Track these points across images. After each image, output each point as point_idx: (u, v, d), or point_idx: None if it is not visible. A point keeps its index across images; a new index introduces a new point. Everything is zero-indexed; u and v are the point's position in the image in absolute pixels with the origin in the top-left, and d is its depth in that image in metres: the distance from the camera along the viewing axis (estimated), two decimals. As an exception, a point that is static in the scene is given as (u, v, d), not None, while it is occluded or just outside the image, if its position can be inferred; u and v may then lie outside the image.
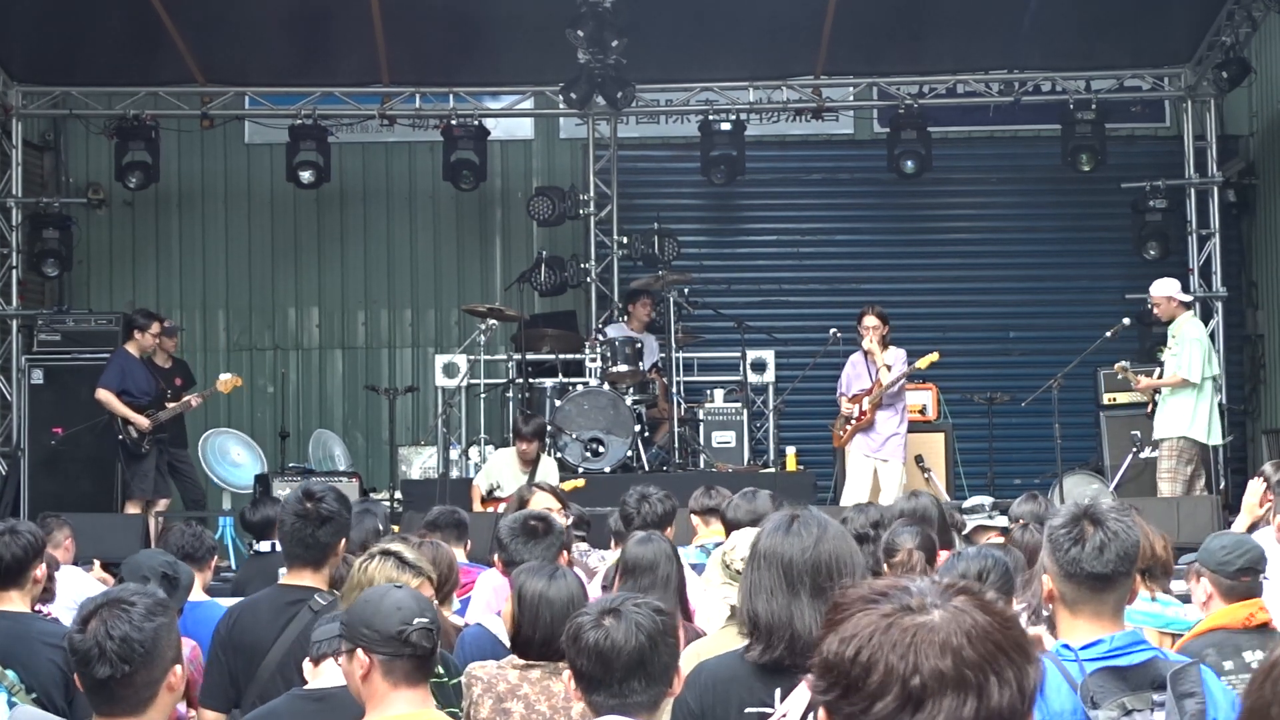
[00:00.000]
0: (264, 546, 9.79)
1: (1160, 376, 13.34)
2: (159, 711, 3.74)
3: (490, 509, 12.76)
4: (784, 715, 3.80)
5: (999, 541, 7.63)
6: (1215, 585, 5.46)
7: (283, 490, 14.43)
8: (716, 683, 4.05)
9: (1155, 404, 13.45)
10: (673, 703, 3.95)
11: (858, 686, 1.93)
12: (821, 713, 2.00)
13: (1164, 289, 13.39)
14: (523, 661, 4.81)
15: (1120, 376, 13.68)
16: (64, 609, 6.99)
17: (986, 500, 8.52)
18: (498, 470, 13.33)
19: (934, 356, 13.41)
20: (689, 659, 4.30)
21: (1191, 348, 13.10)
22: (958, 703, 1.90)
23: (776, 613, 3.94)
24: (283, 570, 8.52)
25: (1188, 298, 13.54)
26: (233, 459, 14.70)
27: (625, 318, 15.80)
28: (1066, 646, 3.87)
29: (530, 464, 13.21)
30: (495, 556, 6.28)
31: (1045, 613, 5.21)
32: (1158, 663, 3.86)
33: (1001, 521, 7.99)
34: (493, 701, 4.77)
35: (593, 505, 10.48)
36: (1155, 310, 13.45)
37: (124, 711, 3.70)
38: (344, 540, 5.50)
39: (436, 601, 5.09)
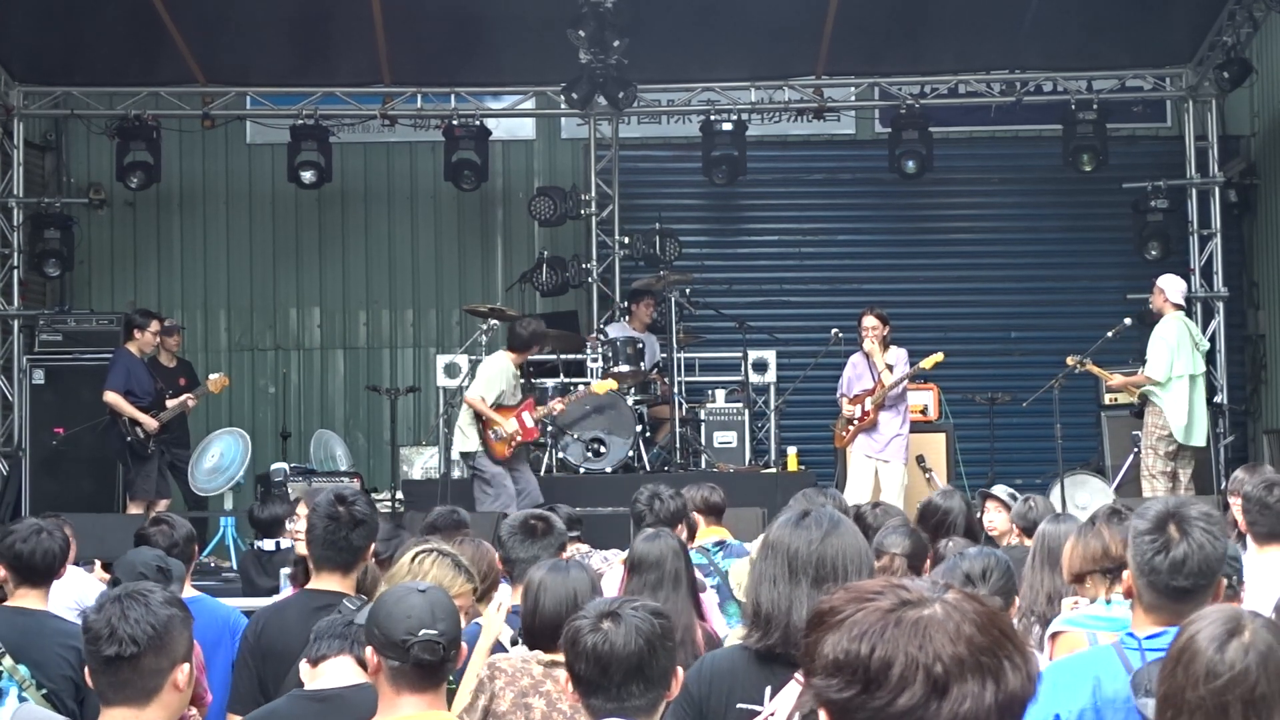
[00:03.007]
0: (268, 545, 9.78)
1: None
2: (164, 708, 3.75)
3: (507, 420, 13.01)
4: (772, 714, 3.82)
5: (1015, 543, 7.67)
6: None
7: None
8: (715, 674, 4.10)
9: (1143, 402, 13.65)
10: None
11: (879, 681, 1.96)
12: (824, 715, 2.00)
13: (1162, 282, 13.62)
14: (547, 658, 4.83)
15: (1078, 370, 13.71)
16: (65, 609, 7.00)
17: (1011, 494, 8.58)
18: (502, 378, 13.27)
19: (939, 357, 13.43)
20: None
21: (1157, 347, 13.29)
22: (979, 686, 1.95)
23: (777, 601, 3.97)
24: (284, 570, 8.54)
25: (1179, 300, 13.61)
26: (208, 466, 14.65)
27: (627, 317, 15.82)
28: (1131, 635, 3.85)
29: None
30: (495, 555, 6.29)
31: (1041, 612, 5.21)
32: None
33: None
34: (514, 695, 4.78)
35: (593, 505, 10.50)
36: (1151, 297, 13.68)
37: (128, 699, 3.73)
38: (373, 544, 5.53)
39: (472, 600, 5.14)
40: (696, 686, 4.06)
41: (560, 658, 4.70)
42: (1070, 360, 13.65)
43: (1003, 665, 1.96)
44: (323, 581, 5.46)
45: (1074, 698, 3.74)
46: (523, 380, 14.82)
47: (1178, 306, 13.55)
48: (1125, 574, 3.96)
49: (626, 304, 16.05)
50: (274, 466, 14.89)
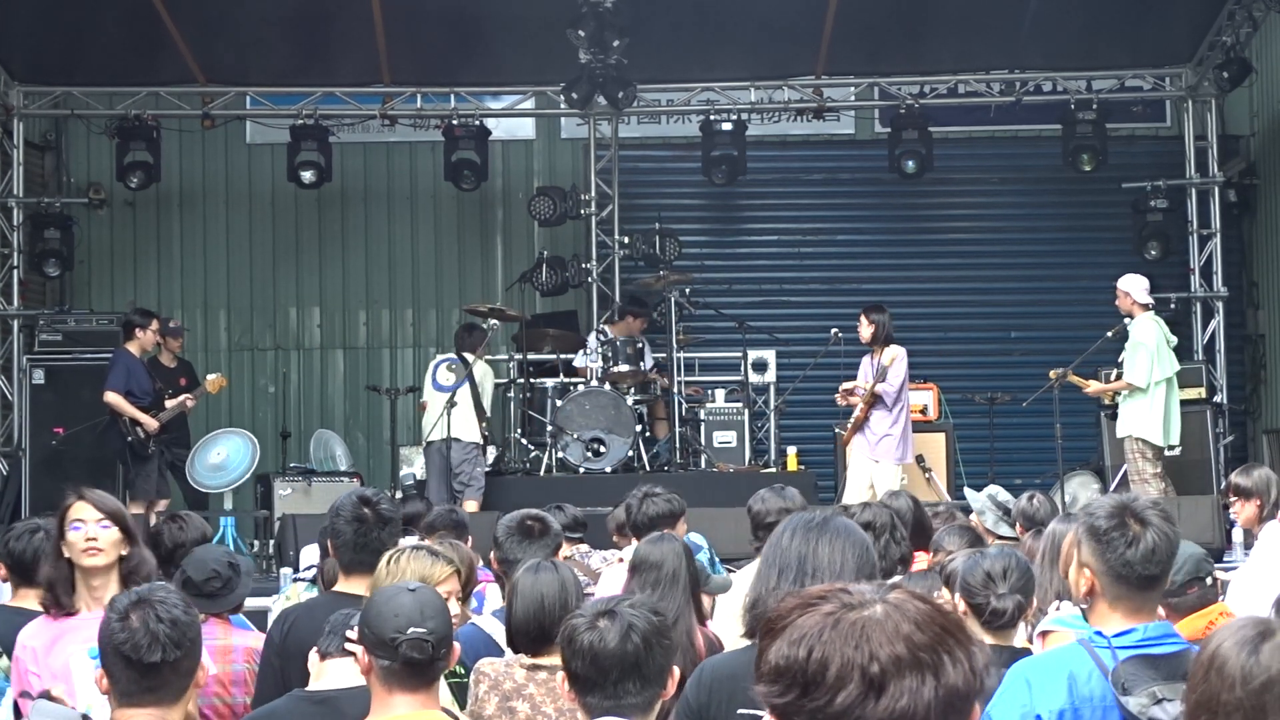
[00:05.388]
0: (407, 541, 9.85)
1: (1118, 379, 13.48)
2: (184, 706, 3.82)
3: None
4: None
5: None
6: (1164, 606, 5.38)
7: (284, 490, 14.49)
8: (715, 681, 4.08)
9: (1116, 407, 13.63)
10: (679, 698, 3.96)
11: (817, 682, 1.98)
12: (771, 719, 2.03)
13: (1126, 284, 13.48)
14: (530, 661, 4.82)
15: (1059, 383, 13.65)
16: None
17: (992, 496, 8.49)
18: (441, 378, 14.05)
19: (898, 351, 13.23)
20: None
21: (1138, 352, 13.22)
22: (917, 682, 1.98)
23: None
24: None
25: (1147, 299, 13.52)
26: (212, 462, 14.65)
27: (614, 319, 15.64)
28: (1099, 634, 3.87)
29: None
30: (491, 555, 6.29)
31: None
32: (1190, 654, 3.87)
33: (1005, 530, 7.97)
34: (498, 699, 4.77)
35: (593, 505, 10.48)
36: (1116, 301, 13.56)
37: (159, 701, 3.76)
38: (399, 541, 5.56)
39: (459, 585, 5.16)
40: (695, 694, 4.04)
41: (541, 660, 4.72)
42: (1053, 374, 13.61)
43: (943, 660, 1.99)
44: (352, 585, 5.43)
45: (1053, 698, 3.77)
46: (520, 379, 14.89)
47: (1146, 306, 13.50)
48: (1086, 574, 3.94)
49: (618, 313, 15.88)
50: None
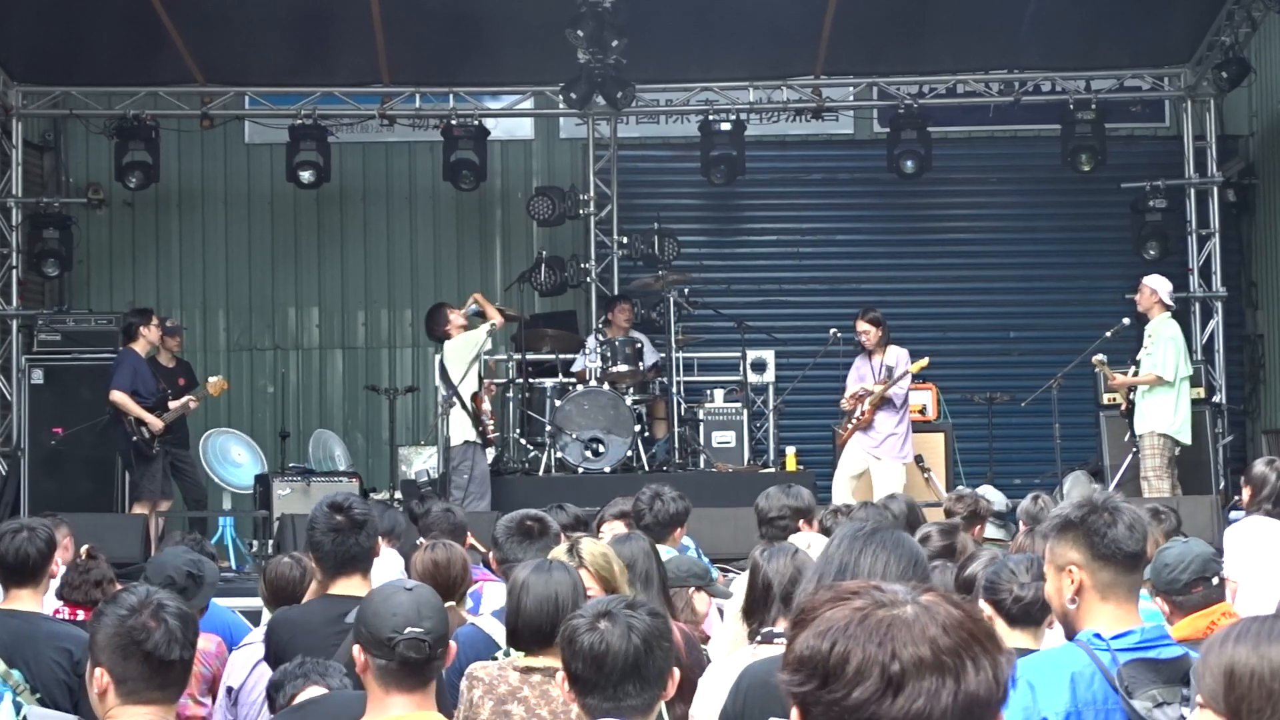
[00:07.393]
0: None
1: (1136, 375, 13.49)
2: (176, 705, 3.83)
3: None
4: None
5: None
6: (1169, 604, 5.41)
7: (283, 490, 14.50)
8: (751, 688, 4.10)
9: (1129, 404, 13.59)
10: (720, 707, 3.94)
11: (836, 674, 1.99)
12: (795, 712, 2.04)
13: (1155, 283, 13.57)
14: (523, 664, 4.81)
15: (1097, 370, 13.75)
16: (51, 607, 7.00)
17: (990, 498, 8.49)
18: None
19: (924, 362, 13.44)
20: (710, 679, 4.35)
21: (1166, 346, 13.28)
22: (937, 684, 1.98)
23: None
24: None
25: (1170, 302, 13.60)
26: (233, 459, 14.74)
27: (608, 328, 15.54)
28: (1098, 635, 3.88)
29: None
30: (491, 555, 6.28)
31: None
32: (1189, 658, 3.89)
33: (992, 531, 7.97)
34: (493, 704, 4.76)
35: (592, 505, 10.49)
36: (1136, 297, 13.57)
37: (165, 699, 3.76)
38: (379, 538, 5.57)
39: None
40: (733, 702, 4.03)
41: (538, 661, 4.72)
42: (1095, 360, 13.69)
43: (965, 666, 1.99)
44: (341, 587, 5.45)
45: (1057, 699, 3.78)
46: (520, 380, 14.88)
47: (1167, 308, 13.55)
48: (1072, 571, 3.91)
49: (605, 315, 15.77)
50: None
